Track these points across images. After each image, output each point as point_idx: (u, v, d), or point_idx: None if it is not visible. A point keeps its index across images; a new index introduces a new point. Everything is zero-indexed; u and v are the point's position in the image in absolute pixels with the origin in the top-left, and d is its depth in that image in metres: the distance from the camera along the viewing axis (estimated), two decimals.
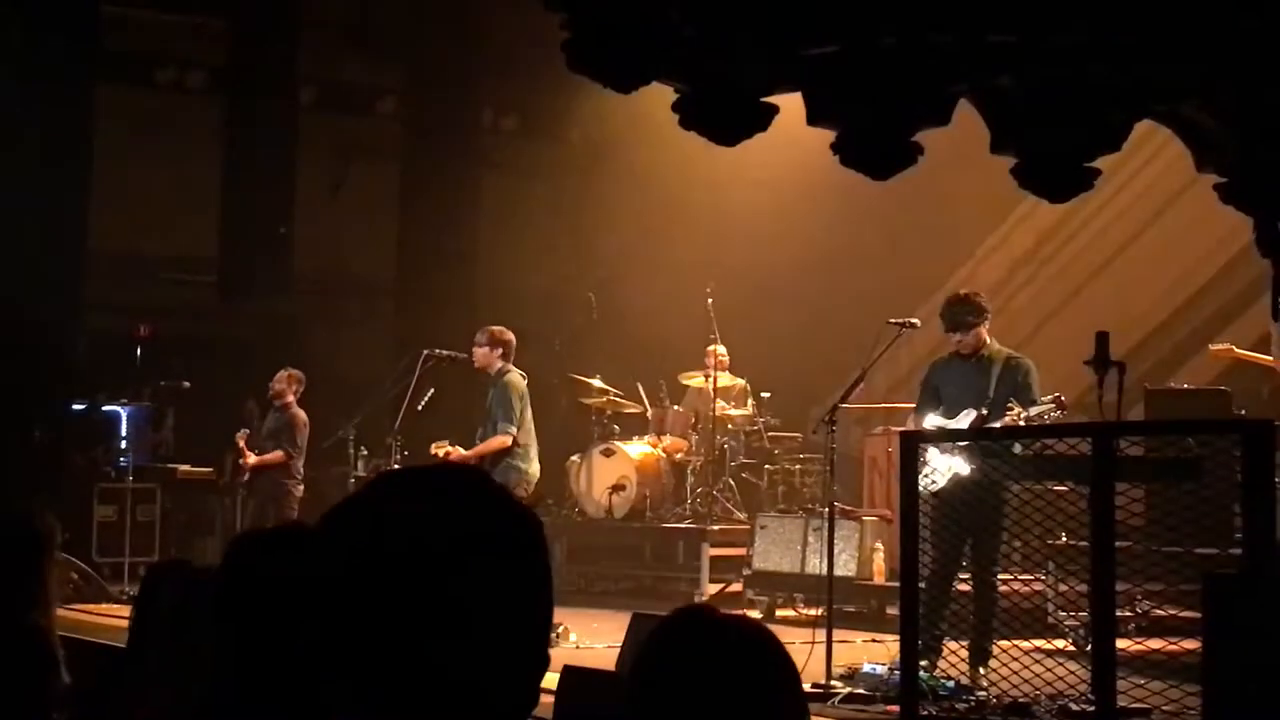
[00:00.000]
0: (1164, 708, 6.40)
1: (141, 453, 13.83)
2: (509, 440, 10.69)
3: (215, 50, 14.67)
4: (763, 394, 13.67)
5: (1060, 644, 8.44)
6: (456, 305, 14.38)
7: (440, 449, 11.07)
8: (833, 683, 7.85)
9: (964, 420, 8.45)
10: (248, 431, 12.15)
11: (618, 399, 13.58)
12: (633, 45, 4.23)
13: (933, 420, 8.63)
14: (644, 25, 4.23)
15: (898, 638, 7.02)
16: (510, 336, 11.04)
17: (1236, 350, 11.04)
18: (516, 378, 10.90)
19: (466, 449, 11.02)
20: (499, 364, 10.95)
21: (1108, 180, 5.27)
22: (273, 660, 2.34)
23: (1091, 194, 5.28)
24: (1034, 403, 8.27)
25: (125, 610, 6.74)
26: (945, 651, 7.91)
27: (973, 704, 7.44)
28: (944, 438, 8.28)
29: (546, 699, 5.64)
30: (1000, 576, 8.46)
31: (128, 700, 3.18)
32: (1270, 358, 10.71)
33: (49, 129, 12.95)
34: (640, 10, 4.24)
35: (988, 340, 8.68)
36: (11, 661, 3.28)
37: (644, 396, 13.79)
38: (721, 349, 13.08)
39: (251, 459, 12.00)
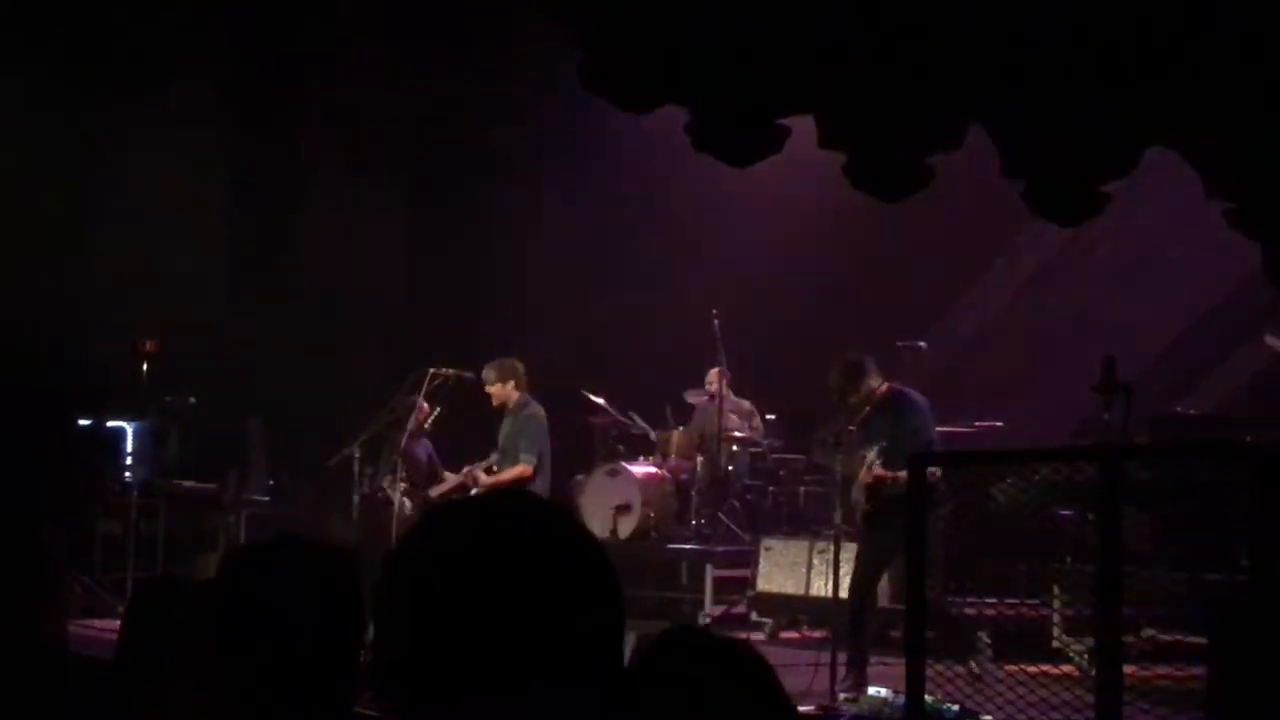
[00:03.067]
0: None
1: (146, 469, 13.80)
2: (529, 470, 10.72)
3: (222, 65, 14.68)
4: (768, 416, 13.66)
5: (1065, 669, 8.43)
6: (465, 323, 14.38)
7: (471, 476, 11.08)
8: (837, 704, 7.84)
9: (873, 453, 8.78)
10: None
11: (623, 419, 13.57)
12: (647, 67, 4.24)
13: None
14: (658, 47, 4.24)
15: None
16: (519, 365, 11.04)
17: None
18: (541, 411, 10.94)
19: (483, 467, 11.08)
20: (516, 395, 10.96)
21: (1116, 203, 5.25)
22: (271, 670, 2.35)
23: (1099, 217, 5.27)
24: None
25: None
26: (939, 677, 7.91)
27: None
28: (954, 460, 8.29)
29: None
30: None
31: (118, 714, 3.18)
32: None
33: (55, 145, 12.98)
34: (654, 32, 4.25)
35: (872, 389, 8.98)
36: (26, 678, 3.27)
37: (659, 417, 13.78)
38: (716, 370, 13.10)
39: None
